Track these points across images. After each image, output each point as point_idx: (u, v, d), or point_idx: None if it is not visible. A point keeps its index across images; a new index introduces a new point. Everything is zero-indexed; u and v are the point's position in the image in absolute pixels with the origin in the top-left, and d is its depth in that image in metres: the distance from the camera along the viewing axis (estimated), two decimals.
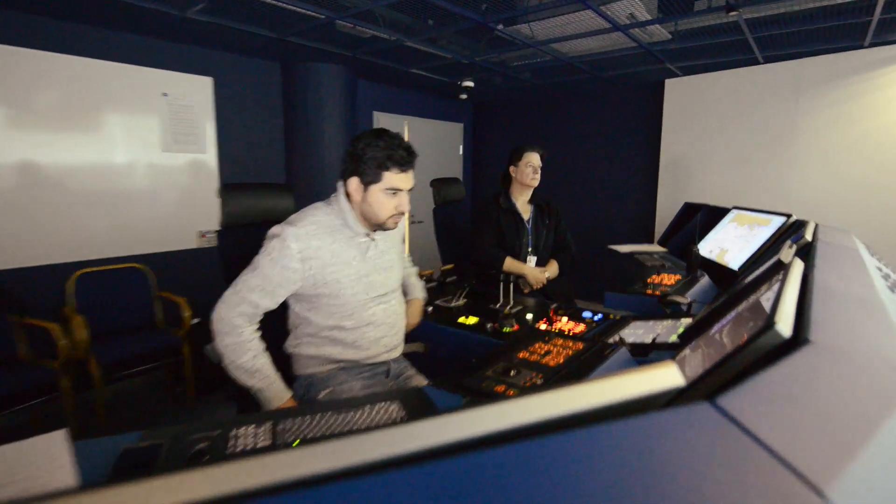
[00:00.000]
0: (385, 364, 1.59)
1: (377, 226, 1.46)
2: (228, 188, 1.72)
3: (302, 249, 1.38)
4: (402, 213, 1.45)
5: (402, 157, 1.39)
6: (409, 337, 1.84)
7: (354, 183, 1.43)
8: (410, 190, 1.45)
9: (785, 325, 0.55)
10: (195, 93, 3.50)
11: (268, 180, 3.92)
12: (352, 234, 1.46)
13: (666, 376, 0.39)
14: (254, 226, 1.72)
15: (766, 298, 0.79)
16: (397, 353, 1.64)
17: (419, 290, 1.87)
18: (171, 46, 3.36)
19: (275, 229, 1.42)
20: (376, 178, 1.40)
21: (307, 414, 0.96)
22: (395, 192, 1.42)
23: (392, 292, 1.59)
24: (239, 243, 1.68)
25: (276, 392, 1.37)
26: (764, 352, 0.53)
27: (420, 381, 1.61)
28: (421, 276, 2.40)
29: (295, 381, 1.54)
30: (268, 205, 1.77)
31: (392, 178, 1.40)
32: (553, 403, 0.37)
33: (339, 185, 1.48)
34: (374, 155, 1.38)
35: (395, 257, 1.63)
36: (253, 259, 1.42)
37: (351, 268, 1.46)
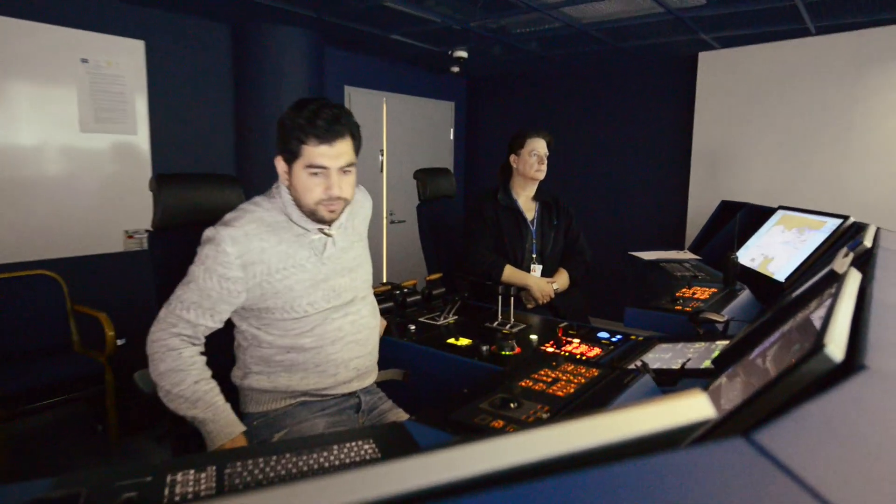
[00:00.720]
0: (354, 396, 1.59)
1: (310, 216, 1.44)
2: (164, 179, 1.71)
3: (242, 254, 1.38)
4: (339, 199, 1.42)
5: (322, 125, 1.35)
6: (385, 362, 1.84)
7: (280, 163, 1.44)
8: (348, 169, 1.42)
9: (836, 347, 0.56)
10: (123, 59, 3.47)
11: (213, 170, 3.90)
12: (300, 230, 1.46)
13: (692, 407, 0.40)
14: (195, 226, 1.70)
15: (817, 316, 0.81)
16: (371, 379, 1.64)
17: None
18: (93, 1, 3.34)
19: (208, 232, 1.42)
20: (295, 155, 1.39)
21: (260, 455, 0.95)
22: (317, 170, 1.39)
23: (361, 299, 1.59)
24: (176, 247, 1.67)
25: (224, 425, 1.35)
26: (811, 379, 0.54)
27: (399, 415, 1.61)
28: (402, 287, 2.40)
29: (243, 420, 1.52)
30: (213, 200, 1.76)
31: (311, 152, 1.37)
32: (559, 439, 0.38)
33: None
34: (291, 125, 1.37)
35: (362, 254, 1.62)
36: (188, 269, 1.43)
37: (305, 272, 1.45)
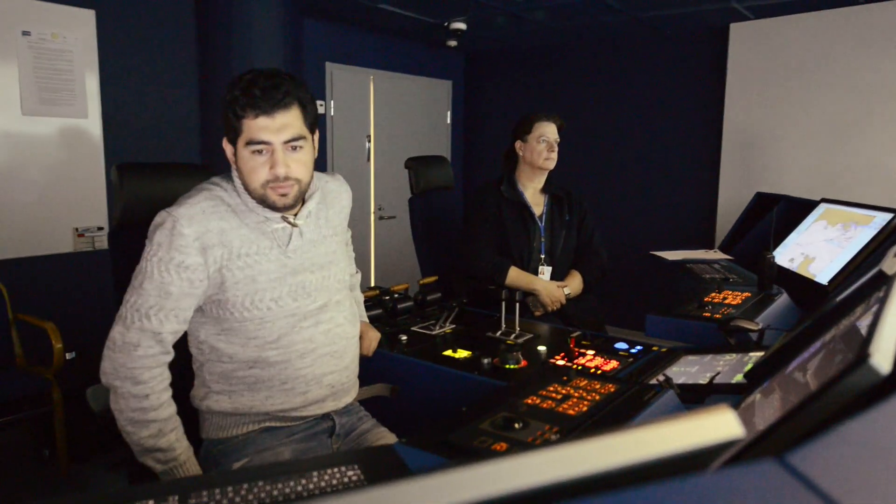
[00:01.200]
0: (328, 418, 1.57)
1: (260, 202, 1.42)
2: (126, 170, 1.71)
3: (200, 234, 1.36)
4: (289, 179, 1.39)
5: (258, 94, 1.33)
6: (372, 376, 1.84)
7: (226, 146, 1.44)
8: (297, 144, 1.39)
9: (882, 358, 0.56)
10: (70, 32, 3.47)
11: (175, 158, 3.89)
12: (261, 218, 1.44)
13: (717, 425, 0.40)
14: None
15: (864, 324, 0.81)
16: (349, 398, 1.62)
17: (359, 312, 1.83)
18: None
19: (158, 217, 1.40)
20: (236, 132, 1.38)
21: (229, 483, 0.95)
22: (260, 146, 1.37)
23: (335, 304, 1.56)
24: (139, 246, 1.66)
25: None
26: (853, 394, 0.55)
27: (383, 437, 1.60)
28: (392, 291, 2.41)
29: (202, 447, 1.52)
30: (181, 192, 1.76)
31: (250, 126, 1.35)
32: (569, 461, 0.38)
33: None
34: (230, 99, 1.36)
35: (336, 250, 1.59)
36: (135, 270, 1.40)
37: (269, 262, 1.44)
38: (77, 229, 3.55)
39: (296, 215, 1.48)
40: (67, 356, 2.99)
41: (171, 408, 1.41)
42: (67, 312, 3.28)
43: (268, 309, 1.43)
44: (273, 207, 1.42)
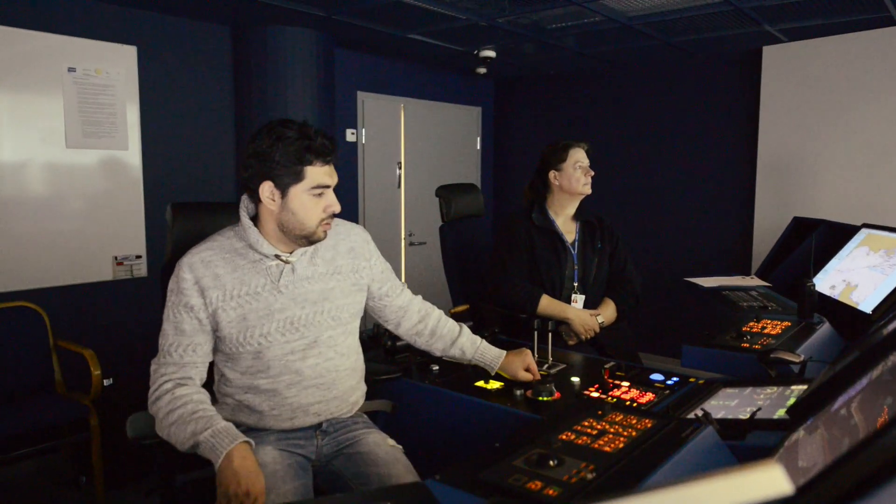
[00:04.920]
0: (316, 425, 1.69)
1: (304, 238, 1.59)
2: (179, 208, 1.85)
3: (198, 279, 1.55)
4: (333, 216, 1.62)
5: (324, 144, 1.54)
6: (403, 407, 1.85)
7: (267, 189, 1.56)
8: (335, 188, 1.60)
9: None
10: (113, 67, 3.59)
11: (213, 185, 3.98)
12: (257, 257, 1.60)
13: (764, 482, 0.39)
14: None
15: None
16: (341, 413, 1.73)
17: (451, 325, 1.99)
18: (80, 3, 3.46)
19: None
20: (297, 178, 1.54)
21: None
22: (321, 190, 1.56)
23: (328, 338, 1.66)
24: None
25: (224, 434, 1.42)
26: None
27: (378, 439, 1.68)
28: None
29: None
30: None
31: (316, 173, 1.55)
32: None
33: (243, 200, 1.64)
34: (287, 149, 1.52)
35: (334, 287, 1.69)
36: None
37: (259, 300, 1.58)
38: (116, 258, 3.63)
39: (290, 253, 1.62)
40: (105, 382, 3.03)
41: (205, 398, 1.54)
42: (106, 339, 3.34)
43: (258, 343, 1.58)
44: (316, 241, 1.61)
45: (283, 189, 1.54)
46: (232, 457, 1.38)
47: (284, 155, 1.51)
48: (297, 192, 1.54)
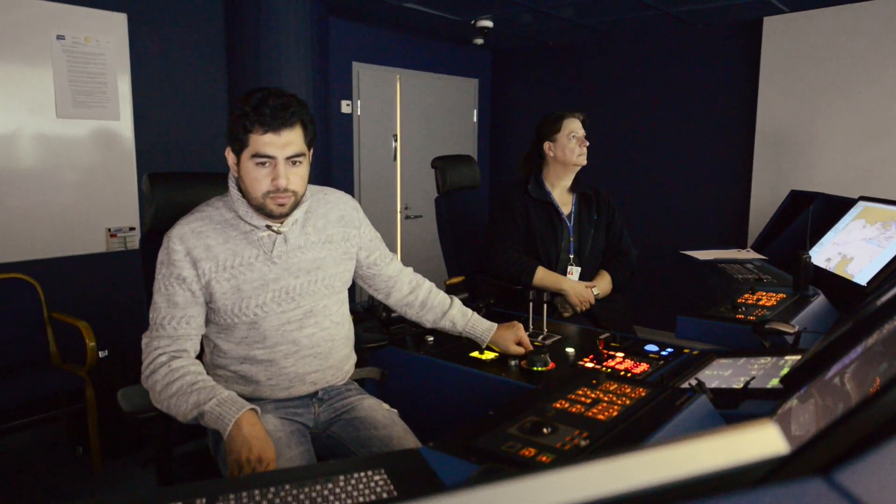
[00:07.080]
0: (312, 393, 1.70)
1: (259, 210, 1.56)
2: (157, 179, 1.80)
3: (189, 250, 1.54)
4: (287, 192, 1.53)
5: (268, 113, 1.47)
6: (398, 378, 1.86)
7: (229, 155, 1.57)
8: (297, 160, 1.53)
9: None
10: (103, 35, 3.53)
11: (206, 156, 3.94)
12: (248, 227, 1.59)
13: (760, 441, 0.39)
14: None
15: None
16: (336, 382, 1.74)
17: (442, 297, 1.99)
18: None
19: (163, 240, 1.58)
20: (242, 145, 1.52)
21: (255, 486, 0.96)
22: (264, 160, 1.50)
23: (323, 308, 1.67)
24: None
25: (230, 402, 1.43)
26: None
27: (373, 404, 1.70)
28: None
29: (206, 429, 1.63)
30: (207, 200, 1.80)
31: (258, 141, 1.49)
32: (601, 477, 0.37)
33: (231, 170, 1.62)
34: (238, 113, 1.50)
35: (326, 257, 1.69)
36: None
37: (253, 271, 1.58)
38: (110, 229, 3.61)
39: (281, 222, 1.60)
40: (100, 354, 3.04)
41: (200, 365, 1.55)
42: (100, 311, 3.34)
43: (255, 314, 1.58)
44: (270, 215, 1.56)
45: (237, 155, 1.54)
46: (241, 424, 1.39)
47: (236, 119, 1.50)
48: (244, 160, 1.52)
